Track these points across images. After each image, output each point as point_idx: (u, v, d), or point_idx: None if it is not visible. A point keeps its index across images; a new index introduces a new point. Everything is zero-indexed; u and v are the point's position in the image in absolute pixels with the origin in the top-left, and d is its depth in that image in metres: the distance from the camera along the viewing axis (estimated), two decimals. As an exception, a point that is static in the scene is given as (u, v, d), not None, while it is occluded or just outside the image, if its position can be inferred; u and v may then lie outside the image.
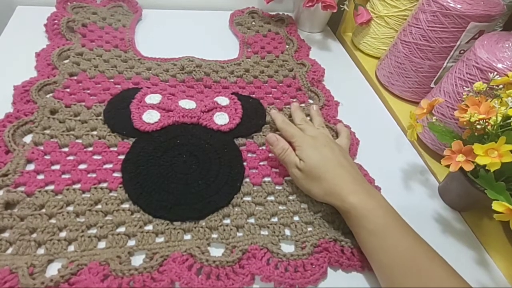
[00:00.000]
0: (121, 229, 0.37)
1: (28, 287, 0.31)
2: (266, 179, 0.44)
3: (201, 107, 0.49)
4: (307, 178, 0.39)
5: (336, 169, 0.39)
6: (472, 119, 0.37)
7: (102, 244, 0.35)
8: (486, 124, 0.37)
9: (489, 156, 0.34)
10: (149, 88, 0.52)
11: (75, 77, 0.52)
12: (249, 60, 0.62)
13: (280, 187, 0.43)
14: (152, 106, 0.48)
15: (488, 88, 0.40)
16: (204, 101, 0.50)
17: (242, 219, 0.39)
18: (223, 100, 0.51)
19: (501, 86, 0.40)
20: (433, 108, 0.42)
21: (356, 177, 0.39)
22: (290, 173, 0.42)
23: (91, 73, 0.53)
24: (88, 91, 0.50)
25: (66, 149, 0.43)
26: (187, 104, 0.49)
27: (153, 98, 0.49)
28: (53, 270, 0.33)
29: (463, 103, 0.39)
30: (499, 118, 0.36)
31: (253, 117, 0.51)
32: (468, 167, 0.36)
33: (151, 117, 0.47)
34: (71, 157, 0.42)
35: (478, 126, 0.37)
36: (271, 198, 0.42)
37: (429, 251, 0.34)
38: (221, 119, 0.48)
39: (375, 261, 0.35)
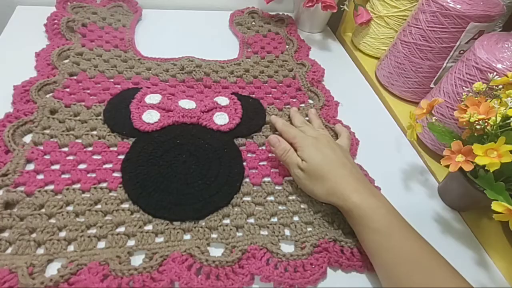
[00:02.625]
0: (121, 229, 0.37)
1: (27, 287, 0.31)
2: (266, 179, 0.44)
3: (201, 107, 0.49)
4: (310, 178, 0.39)
5: (338, 169, 0.39)
6: (472, 119, 0.37)
7: (101, 244, 0.35)
8: (486, 124, 0.37)
9: (489, 156, 0.34)
10: (149, 88, 0.52)
11: (75, 77, 0.52)
12: (249, 60, 0.62)
13: (280, 187, 0.43)
14: (152, 106, 0.48)
15: (487, 89, 0.40)
16: (204, 101, 0.50)
17: (242, 219, 0.39)
18: (223, 100, 0.51)
19: (500, 86, 0.40)
20: (432, 108, 0.42)
21: (358, 177, 0.39)
22: (292, 173, 0.42)
23: (91, 73, 0.53)
24: (88, 91, 0.50)
25: (66, 149, 0.43)
26: (187, 104, 0.49)
27: (153, 98, 0.49)
28: (52, 270, 0.33)
29: (462, 103, 0.39)
30: (499, 118, 0.36)
31: (253, 117, 0.51)
32: (468, 167, 0.36)
33: (151, 117, 0.47)
34: (71, 157, 0.42)
35: (478, 126, 0.38)
36: (271, 198, 0.42)
37: (433, 252, 0.34)
38: (221, 119, 0.48)
39: (378, 260, 0.35)
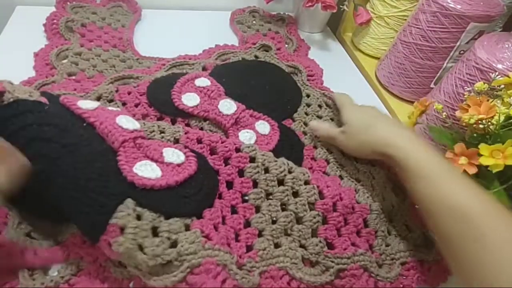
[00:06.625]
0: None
1: (27, 288, 0.31)
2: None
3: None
4: (353, 137, 0.41)
5: (383, 121, 0.40)
6: (471, 121, 0.37)
7: (102, 245, 0.35)
8: (488, 124, 0.37)
9: (494, 158, 0.34)
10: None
11: (74, 77, 0.52)
12: (249, 60, 0.62)
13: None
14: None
15: (489, 89, 0.40)
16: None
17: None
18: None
19: (502, 86, 0.40)
20: (427, 107, 0.42)
21: (405, 129, 0.39)
22: (338, 145, 0.44)
23: (89, 73, 0.52)
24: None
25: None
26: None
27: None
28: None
29: (464, 103, 0.39)
30: (502, 118, 0.36)
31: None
32: (472, 170, 0.35)
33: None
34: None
35: (481, 126, 0.37)
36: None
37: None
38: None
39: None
